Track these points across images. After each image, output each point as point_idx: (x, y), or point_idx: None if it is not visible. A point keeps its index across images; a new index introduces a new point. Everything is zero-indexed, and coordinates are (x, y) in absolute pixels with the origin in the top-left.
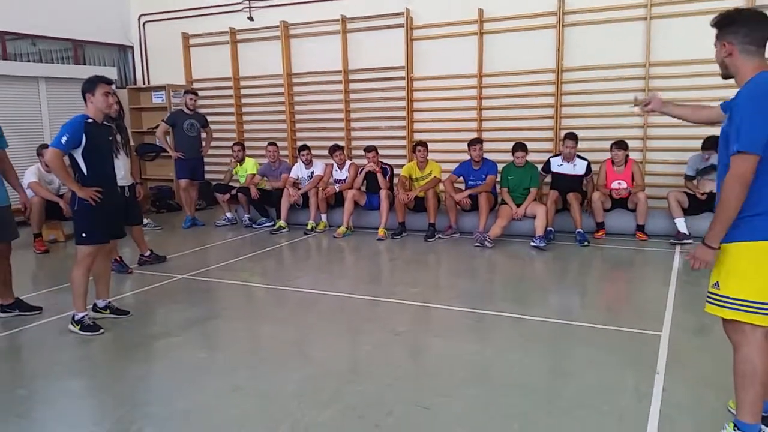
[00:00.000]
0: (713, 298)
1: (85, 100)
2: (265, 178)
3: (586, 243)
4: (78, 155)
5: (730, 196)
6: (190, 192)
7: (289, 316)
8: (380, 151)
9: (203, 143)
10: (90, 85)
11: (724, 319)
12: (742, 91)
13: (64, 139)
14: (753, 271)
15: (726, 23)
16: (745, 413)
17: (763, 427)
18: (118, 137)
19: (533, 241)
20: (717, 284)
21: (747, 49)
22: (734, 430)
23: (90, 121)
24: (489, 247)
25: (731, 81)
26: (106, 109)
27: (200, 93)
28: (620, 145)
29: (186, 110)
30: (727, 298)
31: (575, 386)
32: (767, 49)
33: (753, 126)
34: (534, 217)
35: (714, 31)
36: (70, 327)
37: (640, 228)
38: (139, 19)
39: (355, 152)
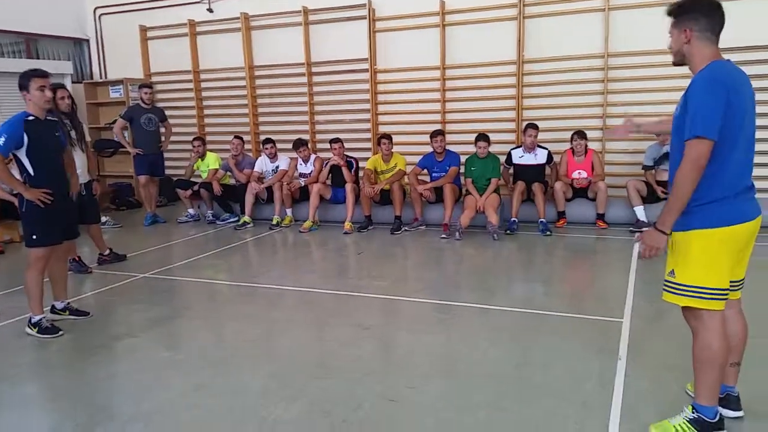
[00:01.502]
0: (670, 286)
1: (24, 98)
2: (228, 173)
3: (548, 233)
4: (22, 155)
5: (685, 180)
6: (150, 188)
7: (254, 312)
8: (345, 145)
9: (162, 138)
10: (24, 80)
11: (682, 306)
12: (696, 78)
13: (2, 140)
14: (707, 258)
15: (685, 11)
16: (704, 397)
17: (720, 408)
18: (73, 133)
19: (489, 229)
20: (673, 272)
21: (705, 36)
22: (692, 412)
23: (31, 118)
24: (458, 239)
25: (686, 69)
26: (45, 104)
27: (159, 87)
28: (581, 135)
29: (143, 105)
30: (684, 285)
31: (541, 375)
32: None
33: (709, 111)
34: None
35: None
36: (27, 330)
37: (600, 216)
38: (94, 12)
39: (319, 146)
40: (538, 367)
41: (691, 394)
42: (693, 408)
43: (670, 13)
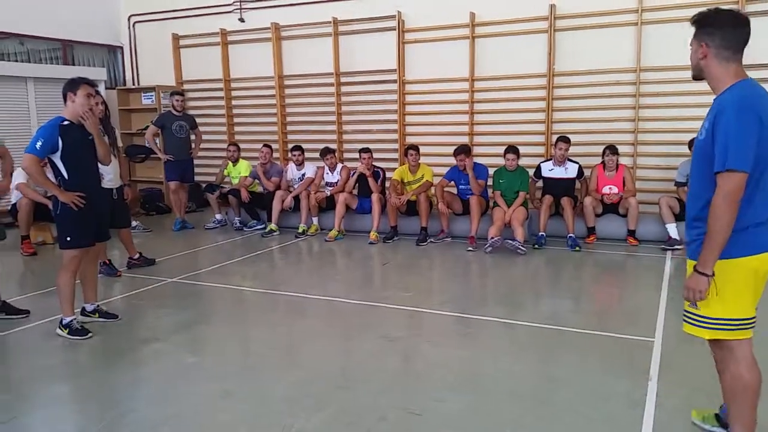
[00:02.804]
0: (692, 319)
1: (65, 101)
2: (257, 181)
3: (577, 248)
4: (57, 159)
5: (722, 215)
6: (179, 194)
7: (279, 320)
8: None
9: (192, 145)
10: (72, 86)
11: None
12: (724, 104)
13: (38, 144)
14: (731, 289)
15: (703, 23)
16: (740, 427)
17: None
18: (106, 138)
19: (512, 245)
20: (694, 303)
21: (722, 54)
22: None
23: (66, 123)
24: (487, 252)
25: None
26: (84, 111)
27: (190, 94)
28: (613, 150)
29: (174, 112)
30: (707, 318)
31: (566, 392)
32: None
33: (741, 142)
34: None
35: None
36: (58, 331)
37: (631, 233)
38: (129, 20)
39: (346, 155)
40: (564, 384)
41: (697, 422)
42: None
43: (693, 23)
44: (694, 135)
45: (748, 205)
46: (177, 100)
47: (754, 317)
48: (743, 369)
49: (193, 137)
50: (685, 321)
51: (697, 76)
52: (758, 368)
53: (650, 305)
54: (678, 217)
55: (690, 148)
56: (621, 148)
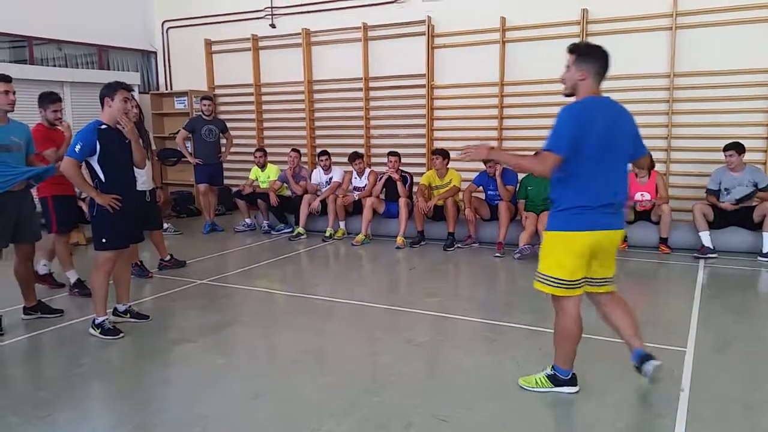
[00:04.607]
0: (536, 276)
1: (102, 105)
2: (285, 185)
3: None
4: (94, 162)
5: (530, 167)
6: (209, 197)
7: (307, 323)
8: (400, 159)
9: (222, 149)
10: (110, 91)
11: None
12: (565, 107)
13: (77, 148)
14: (558, 254)
15: (587, 54)
16: (560, 361)
17: (647, 362)
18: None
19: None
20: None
21: (595, 78)
22: (551, 370)
23: (104, 127)
24: (516, 258)
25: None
26: (121, 115)
27: (222, 99)
28: None
29: (204, 116)
30: (541, 274)
31: (596, 402)
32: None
33: (561, 133)
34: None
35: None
36: (91, 331)
37: (663, 241)
38: (162, 25)
39: (374, 159)
40: (593, 394)
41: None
42: (552, 367)
43: (572, 51)
44: (728, 141)
45: (582, 192)
46: (205, 105)
47: (578, 280)
48: (568, 321)
49: (223, 141)
50: (534, 279)
51: (569, 94)
52: (581, 322)
53: (682, 315)
54: (712, 225)
55: (725, 151)
56: (654, 155)
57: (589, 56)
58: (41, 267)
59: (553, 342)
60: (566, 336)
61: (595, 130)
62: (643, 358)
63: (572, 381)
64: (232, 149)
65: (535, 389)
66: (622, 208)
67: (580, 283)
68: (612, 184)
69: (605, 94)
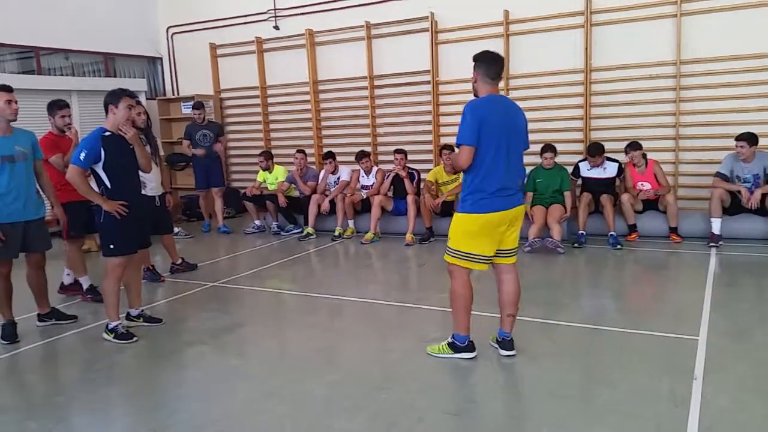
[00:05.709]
0: (446, 250)
1: (106, 112)
2: (293, 185)
3: (618, 246)
4: (99, 169)
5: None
6: (209, 199)
7: (318, 322)
8: (407, 157)
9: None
10: (114, 98)
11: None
12: (469, 102)
13: (82, 156)
14: (462, 231)
15: (478, 60)
16: (456, 327)
17: (500, 350)
18: (148, 148)
19: (552, 242)
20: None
21: (485, 80)
22: (452, 338)
23: (107, 134)
24: (526, 251)
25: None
26: (126, 122)
27: (228, 102)
28: (633, 146)
29: (197, 122)
30: (451, 249)
31: (609, 393)
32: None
33: (466, 126)
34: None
35: None
36: (104, 336)
37: (673, 230)
38: (167, 31)
39: (381, 157)
40: (606, 384)
41: (493, 344)
42: (453, 336)
43: (474, 59)
44: (737, 128)
45: (487, 179)
46: (195, 114)
47: (480, 255)
48: (459, 286)
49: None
50: (445, 254)
51: (476, 94)
52: (470, 286)
53: (694, 303)
54: (726, 211)
55: (737, 141)
56: (662, 143)
57: (480, 62)
58: (66, 277)
59: (450, 307)
60: (456, 298)
61: (491, 123)
62: (506, 344)
63: (469, 347)
64: (240, 152)
65: (438, 355)
66: (519, 191)
67: (480, 258)
68: (509, 171)
69: (619, 84)
